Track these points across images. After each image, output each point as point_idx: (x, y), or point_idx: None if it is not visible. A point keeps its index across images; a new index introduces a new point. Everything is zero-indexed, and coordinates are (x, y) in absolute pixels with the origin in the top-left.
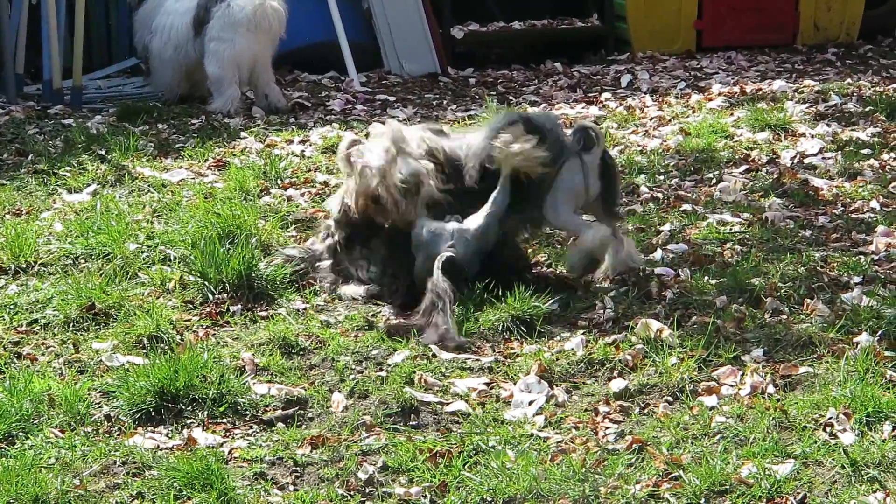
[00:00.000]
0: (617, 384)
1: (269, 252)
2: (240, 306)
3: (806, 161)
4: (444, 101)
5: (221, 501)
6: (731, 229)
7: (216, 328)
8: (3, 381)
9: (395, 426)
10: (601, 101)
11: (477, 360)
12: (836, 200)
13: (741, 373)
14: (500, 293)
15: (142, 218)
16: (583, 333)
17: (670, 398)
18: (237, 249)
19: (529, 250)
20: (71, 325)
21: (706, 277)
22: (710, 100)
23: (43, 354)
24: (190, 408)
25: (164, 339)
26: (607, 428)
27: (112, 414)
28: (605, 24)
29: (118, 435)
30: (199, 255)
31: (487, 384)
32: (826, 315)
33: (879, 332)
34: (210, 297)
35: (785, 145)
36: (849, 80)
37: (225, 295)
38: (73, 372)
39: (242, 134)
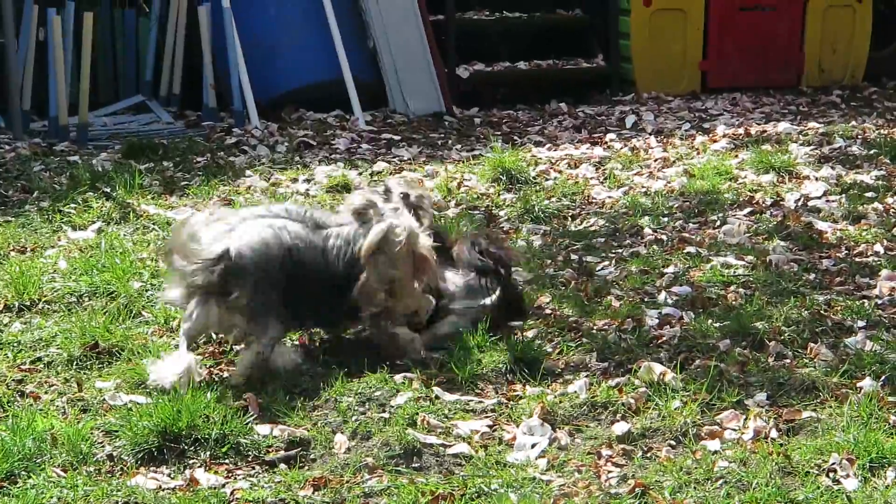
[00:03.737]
0: (620, 427)
1: None
2: (242, 346)
3: (810, 204)
4: (449, 141)
5: None
6: (734, 272)
7: (219, 367)
8: (5, 419)
9: (397, 468)
10: (606, 142)
11: (480, 402)
12: (840, 244)
13: (744, 417)
14: (503, 336)
15: (146, 256)
16: (586, 376)
17: (673, 442)
18: None
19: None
20: (74, 363)
21: (710, 320)
22: (715, 141)
23: (46, 393)
24: (192, 448)
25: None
26: (610, 472)
27: (114, 453)
28: (611, 65)
29: (120, 475)
30: None
31: (490, 426)
32: (829, 359)
33: (883, 378)
34: (213, 336)
35: (789, 188)
36: (853, 122)
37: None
38: (76, 411)
39: (247, 172)
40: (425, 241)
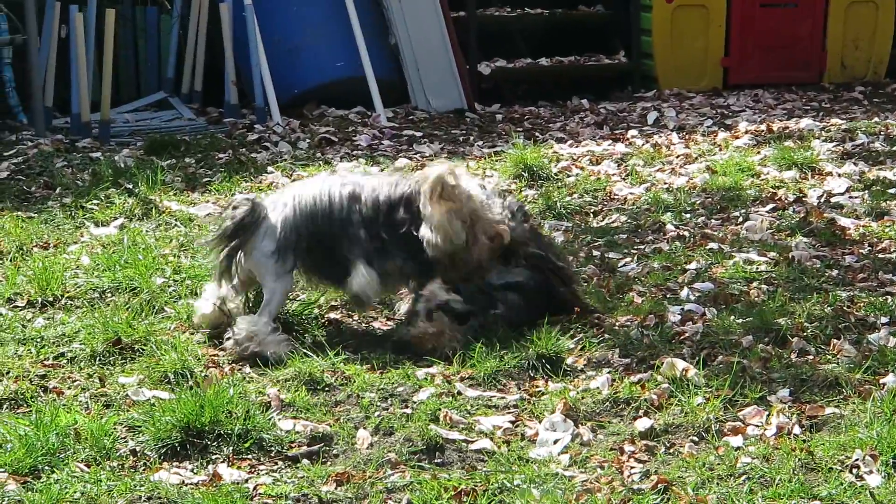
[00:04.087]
0: (642, 423)
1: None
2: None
3: (833, 200)
4: (471, 138)
5: None
6: (757, 268)
7: (242, 363)
8: (29, 414)
9: (419, 464)
10: (627, 139)
11: (502, 397)
12: (862, 240)
13: (767, 413)
14: (526, 331)
15: (168, 252)
16: (608, 372)
17: (696, 438)
18: None
19: None
20: (97, 359)
21: (732, 317)
22: (737, 138)
23: (69, 388)
24: (215, 443)
25: (190, 374)
26: (632, 467)
27: (137, 449)
28: (632, 61)
29: (143, 470)
30: None
31: (512, 422)
32: (852, 355)
33: None
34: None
35: (812, 184)
36: (876, 118)
37: None
38: (99, 406)
39: (269, 169)
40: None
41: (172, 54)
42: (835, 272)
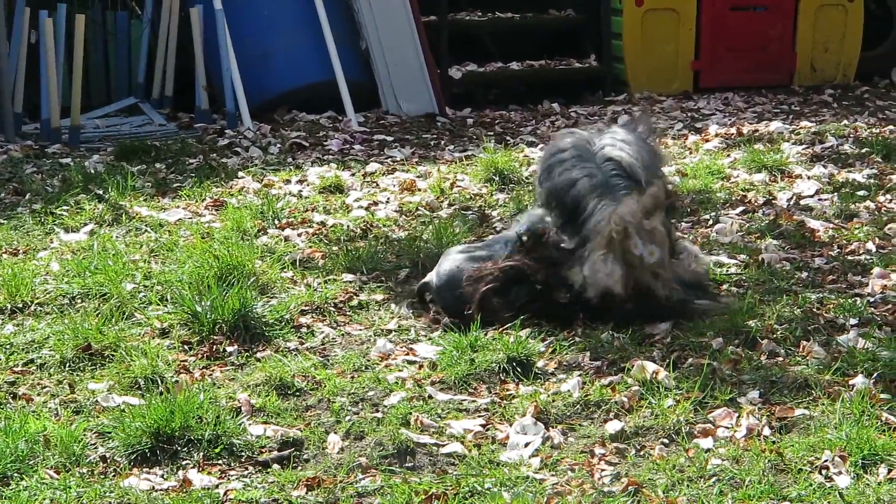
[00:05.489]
0: (613, 426)
1: (266, 292)
2: (236, 347)
3: (802, 202)
4: (442, 142)
5: None
6: (727, 271)
7: (212, 369)
8: None
9: (390, 468)
10: None
11: (473, 401)
12: (832, 242)
13: (737, 415)
14: (497, 334)
15: (139, 258)
16: (579, 375)
17: (666, 440)
18: (234, 290)
19: None
20: (67, 365)
21: (702, 319)
22: (707, 141)
23: (38, 395)
24: (185, 449)
25: (161, 379)
26: (603, 470)
27: (107, 455)
28: (603, 65)
29: (113, 476)
30: (195, 295)
31: (483, 426)
32: (822, 357)
33: (875, 375)
34: (206, 337)
35: (781, 187)
36: (845, 121)
37: (222, 335)
38: (69, 412)
39: (240, 174)
40: None
41: (143, 59)
42: (804, 274)
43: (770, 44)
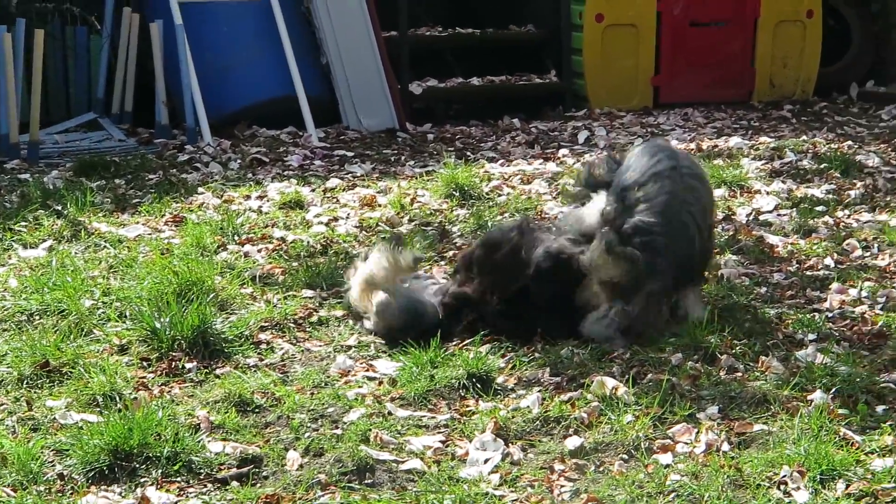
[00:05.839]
0: (573, 442)
1: (226, 308)
2: (195, 363)
3: (761, 218)
4: (403, 157)
5: None
6: None
7: (171, 385)
8: None
9: (350, 485)
10: (558, 158)
11: (433, 417)
12: (790, 257)
13: (696, 430)
14: (457, 350)
15: (98, 274)
16: (538, 391)
17: (626, 456)
18: (193, 306)
19: None
20: (24, 382)
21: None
22: None
23: None
24: (144, 466)
25: (119, 396)
26: (563, 486)
27: (65, 472)
28: (563, 81)
29: (71, 494)
30: (155, 312)
31: (443, 442)
32: (781, 372)
33: (833, 390)
34: (165, 354)
35: (740, 202)
36: (804, 137)
37: (181, 352)
38: (26, 430)
39: (200, 189)
40: None
41: (102, 75)
42: (763, 289)
43: (729, 59)
